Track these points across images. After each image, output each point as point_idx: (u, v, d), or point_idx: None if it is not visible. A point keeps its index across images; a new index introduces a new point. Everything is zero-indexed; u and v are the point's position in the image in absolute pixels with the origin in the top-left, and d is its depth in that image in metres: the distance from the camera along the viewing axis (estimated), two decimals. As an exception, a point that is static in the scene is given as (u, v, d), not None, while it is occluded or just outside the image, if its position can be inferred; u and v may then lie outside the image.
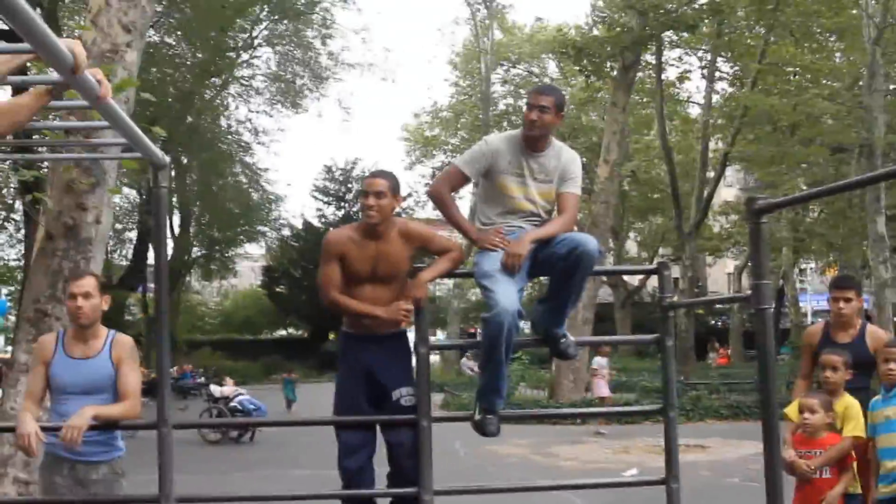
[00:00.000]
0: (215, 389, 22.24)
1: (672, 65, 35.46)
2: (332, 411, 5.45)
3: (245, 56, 38.27)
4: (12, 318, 29.99)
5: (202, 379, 35.70)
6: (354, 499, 5.37)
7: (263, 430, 20.70)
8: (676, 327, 14.67)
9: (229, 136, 42.40)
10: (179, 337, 43.38)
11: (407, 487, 5.26)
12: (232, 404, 20.76)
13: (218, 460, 16.69)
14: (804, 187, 30.29)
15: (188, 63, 34.78)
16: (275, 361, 48.51)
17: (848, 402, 5.89)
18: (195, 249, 48.34)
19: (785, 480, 4.19)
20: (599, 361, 21.19)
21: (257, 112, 54.29)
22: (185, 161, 39.78)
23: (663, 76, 34.10)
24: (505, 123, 43.70)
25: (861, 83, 26.81)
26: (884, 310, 23.20)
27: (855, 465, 5.83)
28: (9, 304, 34.36)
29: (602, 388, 20.91)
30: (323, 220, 53.14)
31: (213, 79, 36.29)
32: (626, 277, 44.42)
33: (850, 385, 6.00)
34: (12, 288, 35.95)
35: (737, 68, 35.12)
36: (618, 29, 26.98)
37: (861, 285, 7.21)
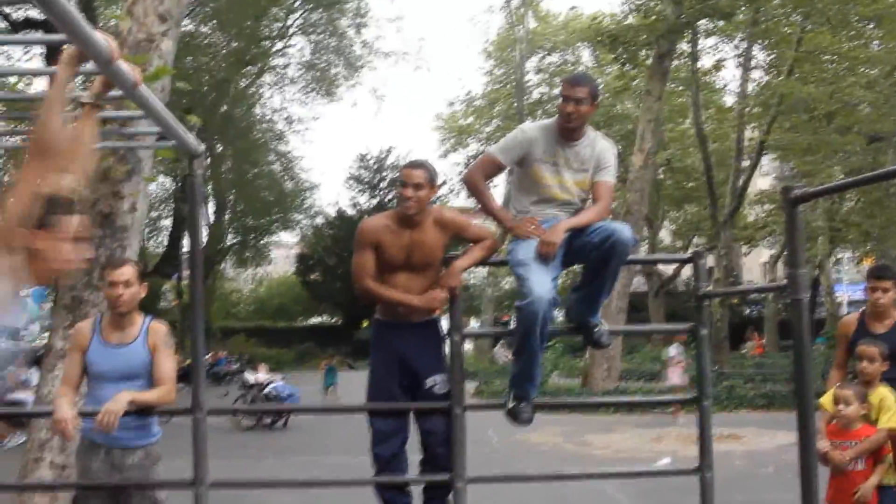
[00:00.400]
0: (249, 376, 22.33)
1: (707, 53, 35.22)
2: (365, 398, 5.47)
3: (279, 45, 38.45)
4: (48, 306, 30.26)
5: (236, 365, 35.84)
6: (387, 485, 5.39)
7: (297, 416, 20.78)
8: (711, 317, 14.55)
9: (264, 125, 42.63)
10: (214, 324, 43.62)
11: (440, 474, 5.28)
12: (266, 391, 20.85)
13: (252, 446, 16.78)
14: (841, 176, 29.99)
15: (223, 52, 34.97)
16: (308, 348, 48.83)
17: (883, 394, 5.84)
18: (230, 237, 48.64)
19: (819, 471, 4.17)
20: (674, 351, 20.87)
21: (291, 101, 54.64)
22: (219, 149, 40.00)
23: (699, 64, 33.84)
24: (539, 112, 43.50)
25: (899, 71, 26.51)
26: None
27: (890, 456, 5.78)
28: (46, 291, 34.61)
29: (677, 377, 20.51)
30: (357, 208, 53.27)
31: (247, 67, 36.50)
32: (660, 267, 44.10)
33: (886, 376, 5.95)
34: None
35: (773, 56, 34.73)
36: (653, 17, 26.83)
37: (898, 275, 7.12)
